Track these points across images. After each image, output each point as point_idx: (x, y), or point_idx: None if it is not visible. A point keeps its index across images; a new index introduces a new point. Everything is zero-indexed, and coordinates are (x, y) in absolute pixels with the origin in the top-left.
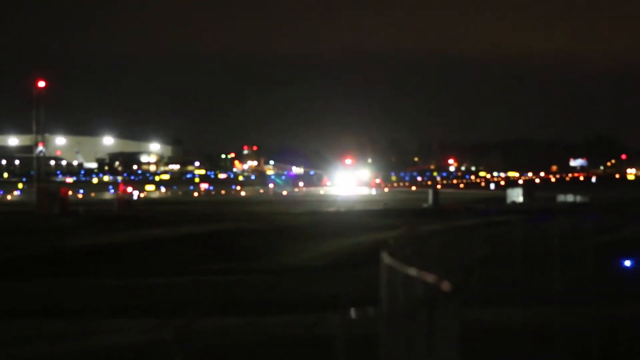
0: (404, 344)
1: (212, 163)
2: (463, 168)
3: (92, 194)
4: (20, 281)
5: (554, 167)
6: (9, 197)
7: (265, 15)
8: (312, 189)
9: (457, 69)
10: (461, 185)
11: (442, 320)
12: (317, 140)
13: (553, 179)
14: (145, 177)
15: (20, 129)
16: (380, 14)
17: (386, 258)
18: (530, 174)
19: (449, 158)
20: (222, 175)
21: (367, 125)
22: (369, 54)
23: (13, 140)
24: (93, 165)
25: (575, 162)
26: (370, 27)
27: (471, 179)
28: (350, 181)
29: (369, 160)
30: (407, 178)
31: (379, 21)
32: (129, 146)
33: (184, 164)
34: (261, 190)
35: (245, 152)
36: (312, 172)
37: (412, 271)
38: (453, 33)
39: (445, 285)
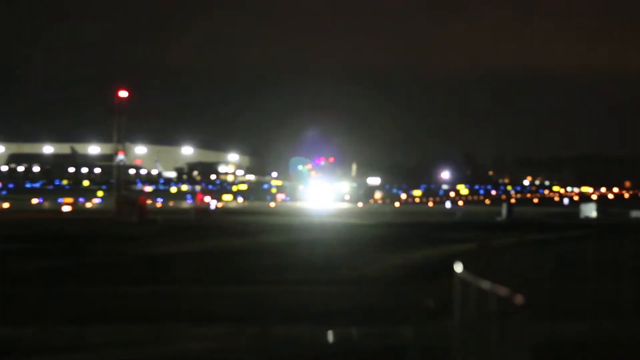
0: (476, 356)
1: (289, 174)
2: (537, 182)
3: (171, 203)
4: (99, 287)
5: (628, 183)
6: (89, 204)
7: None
8: (388, 202)
9: (532, 84)
10: (535, 200)
11: (514, 333)
12: (397, 153)
13: (627, 195)
14: (223, 187)
15: (101, 138)
16: (453, 30)
17: (459, 271)
18: (603, 190)
19: (523, 172)
20: (299, 186)
21: (441, 139)
22: (445, 68)
23: (94, 149)
24: (172, 174)
25: None
26: (445, 42)
27: (544, 194)
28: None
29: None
30: (481, 192)
31: (452, 36)
32: (208, 156)
33: (261, 174)
34: (337, 202)
35: (322, 163)
36: (387, 186)
37: (485, 284)
38: (524, 48)
39: (518, 299)
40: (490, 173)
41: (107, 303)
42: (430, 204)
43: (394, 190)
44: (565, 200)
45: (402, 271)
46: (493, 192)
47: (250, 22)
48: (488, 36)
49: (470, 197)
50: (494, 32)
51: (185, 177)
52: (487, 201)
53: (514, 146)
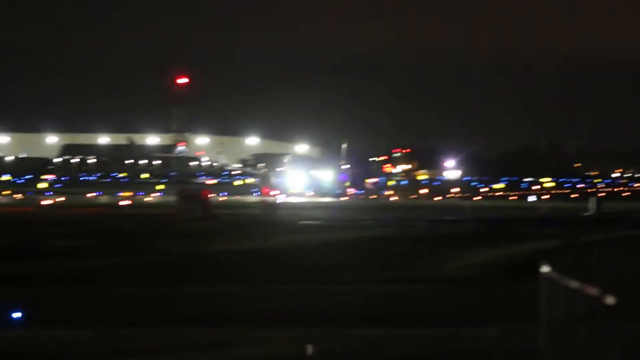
0: (563, 359)
1: (361, 166)
2: (628, 175)
3: (235, 197)
4: (158, 287)
5: None
6: (148, 198)
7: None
8: (469, 195)
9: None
10: (625, 194)
11: (604, 335)
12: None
13: None
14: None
15: (161, 128)
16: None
17: (545, 269)
18: None
19: (613, 164)
20: (371, 180)
21: (522, 129)
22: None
23: (153, 139)
24: (236, 166)
25: None
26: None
27: (635, 187)
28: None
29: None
30: (567, 185)
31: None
32: (275, 147)
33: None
34: (413, 196)
35: (397, 155)
36: (466, 178)
37: (573, 283)
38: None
39: (608, 299)
40: (577, 165)
41: (167, 304)
42: (513, 197)
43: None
44: None
45: (483, 269)
46: (580, 186)
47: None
48: (584, 24)
49: (555, 191)
50: (584, 20)
51: (250, 169)
52: (574, 195)
53: (603, 137)
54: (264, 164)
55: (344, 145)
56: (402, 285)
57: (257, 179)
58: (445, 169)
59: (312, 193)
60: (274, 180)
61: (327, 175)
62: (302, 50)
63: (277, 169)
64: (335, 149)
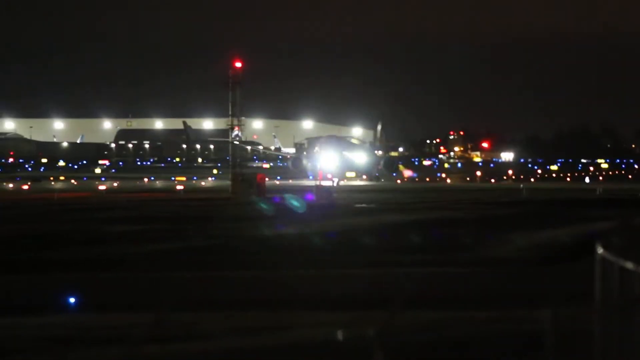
0: (619, 341)
1: (416, 149)
2: None
3: (290, 181)
4: (213, 271)
5: None
6: (203, 183)
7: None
8: (524, 176)
9: None
10: None
11: None
12: (529, 126)
13: None
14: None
15: (215, 112)
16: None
17: (601, 250)
18: None
19: None
20: (426, 162)
21: (579, 110)
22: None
23: (208, 124)
24: (291, 150)
25: None
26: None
27: None
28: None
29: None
30: (623, 166)
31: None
32: (329, 130)
33: (386, 149)
34: (467, 178)
35: (452, 137)
36: (521, 160)
37: (629, 264)
38: None
39: None
40: (633, 146)
41: (221, 288)
42: (568, 179)
43: (529, 166)
44: None
45: (538, 251)
46: (636, 166)
47: None
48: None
49: (611, 172)
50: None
51: (305, 153)
52: (630, 176)
53: None
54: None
55: (379, 127)
56: (455, 268)
57: (287, 163)
58: (500, 150)
59: (349, 176)
60: (305, 163)
61: (361, 158)
62: (355, 35)
63: (309, 152)
64: (388, 132)
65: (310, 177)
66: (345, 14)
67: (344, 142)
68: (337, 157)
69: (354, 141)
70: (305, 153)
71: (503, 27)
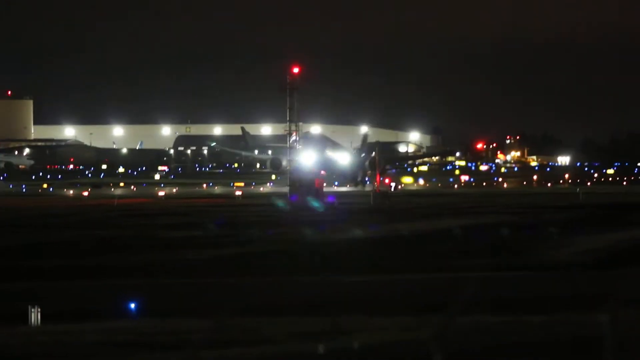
0: None
1: (473, 154)
2: None
3: (348, 186)
4: (269, 276)
5: None
6: (261, 188)
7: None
8: (580, 180)
9: None
10: None
11: None
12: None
13: None
14: (403, 168)
15: (273, 118)
16: None
17: None
18: None
19: None
20: (483, 167)
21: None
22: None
23: (266, 129)
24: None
25: None
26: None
27: None
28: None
29: None
30: None
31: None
32: (386, 135)
33: (443, 154)
34: (524, 182)
35: (508, 142)
36: (578, 163)
37: None
38: None
39: None
40: None
41: (280, 292)
42: (625, 183)
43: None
44: None
45: (596, 255)
46: None
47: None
48: None
49: None
50: None
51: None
52: None
53: None
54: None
55: (365, 132)
56: (514, 272)
57: (266, 164)
58: (556, 154)
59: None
60: (285, 164)
61: (344, 159)
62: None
63: (289, 151)
64: (445, 137)
65: (367, 182)
66: (403, 19)
67: (326, 141)
68: (318, 157)
69: (411, 146)
70: (287, 152)
71: (556, 28)
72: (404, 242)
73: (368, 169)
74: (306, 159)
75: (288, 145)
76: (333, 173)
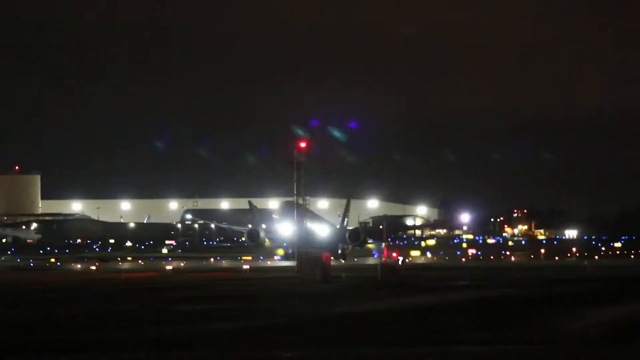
0: None
1: (480, 227)
2: None
3: (355, 259)
4: (276, 351)
5: None
6: (269, 262)
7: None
8: (588, 253)
9: None
10: None
11: None
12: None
13: None
14: (410, 242)
15: (281, 192)
16: None
17: None
18: None
19: None
20: (490, 240)
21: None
22: None
23: (274, 204)
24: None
25: None
26: None
27: None
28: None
29: None
30: None
31: None
32: (394, 209)
33: (450, 228)
34: (531, 256)
35: (515, 215)
36: (585, 237)
37: None
38: None
39: None
40: None
41: None
42: (632, 256)
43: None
44: None
45: (605, 328)
46: None
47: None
48: None
49: None
50: None
51: (263, 225)
52: None
53: None
54: (382, 227)
55: (348, 199)
56: (521, 346)
57: (247, 233)
58: (563, 228)
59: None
60: (262, 235)
61: (323, 230)
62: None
63: (269, 219)
64: (454, 211)
65: (376, 255)
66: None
67: (304, 211)
68: (297, 228)
69: (419, 220)
70: (263, 225)
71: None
72: (413, 315)
73: (349, 241)
74: (284, 230)
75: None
76: (312, 245)
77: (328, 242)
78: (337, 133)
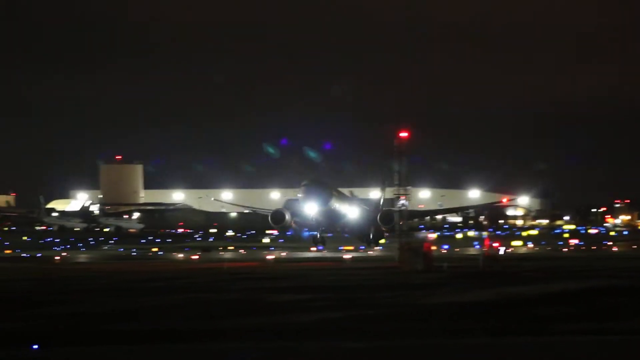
0: None
1: (582, 217)
2: None
3: (457, 250)
4: (380, 340)
5: None
6: (370, 252)
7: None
8: None
9: None
10: None
11: None
12: None
13: None
14: (512, 232)
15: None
16: None
17: None
18: None
19: None
20: (592, 231)
21: None
22: None
23: (375, 194)
24: (457, 219)
25: None
26: None
27: None
28: None
29: None
30: None
31: None
32: (495, 199)
33: (552, 218)
34: (634, 246)
35: (617, 205)
36: None
37: None
38: None
39: None
40: None
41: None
42: None
43: None
44: None
45: None
46: None
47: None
48: None
49: None
50: None
51: (471, 222)
52: None
53: None
54: (483, 217)
55: (384, 182)
56: (621, 336)
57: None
58: None
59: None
60: (288, 218)
61: (352, 212)
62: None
63: (292, 205)
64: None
65: (477, 246)
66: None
67: (332, 192)
68: (322, 210)
69: (520, 209)
70: (287, 207)
71: None
72: (511, 304)
73: (382, 225)
74: (309, 211)
75: (397, 209)
76: (339, 227)
77: (357, 224)
78: None
